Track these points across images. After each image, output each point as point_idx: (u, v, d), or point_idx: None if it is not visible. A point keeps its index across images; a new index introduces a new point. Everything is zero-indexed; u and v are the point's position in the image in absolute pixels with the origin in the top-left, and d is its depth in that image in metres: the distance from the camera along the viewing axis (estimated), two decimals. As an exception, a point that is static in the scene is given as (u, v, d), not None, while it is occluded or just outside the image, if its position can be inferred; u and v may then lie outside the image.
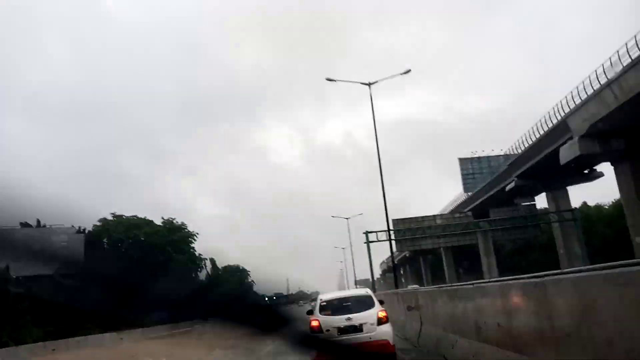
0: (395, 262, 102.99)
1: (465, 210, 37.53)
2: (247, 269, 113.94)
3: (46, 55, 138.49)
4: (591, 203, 50.68)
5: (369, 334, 8.56)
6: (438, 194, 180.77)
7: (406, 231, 33.15)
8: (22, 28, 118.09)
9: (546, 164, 30.01)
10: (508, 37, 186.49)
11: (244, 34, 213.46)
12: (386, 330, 8.74)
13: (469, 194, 64.14)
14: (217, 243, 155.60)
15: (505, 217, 33.11)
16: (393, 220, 33.50)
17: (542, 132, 29.19)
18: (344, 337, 8.53)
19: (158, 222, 55.90)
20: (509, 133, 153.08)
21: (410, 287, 21.13)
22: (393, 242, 32.42)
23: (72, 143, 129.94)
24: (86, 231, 47.89)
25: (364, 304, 9.19)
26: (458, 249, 71.17)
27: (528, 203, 34.02)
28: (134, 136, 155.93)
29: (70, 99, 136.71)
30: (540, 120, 29.98)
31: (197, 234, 56.52)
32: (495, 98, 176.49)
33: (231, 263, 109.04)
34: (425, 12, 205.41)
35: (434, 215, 35.98)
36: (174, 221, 55.88)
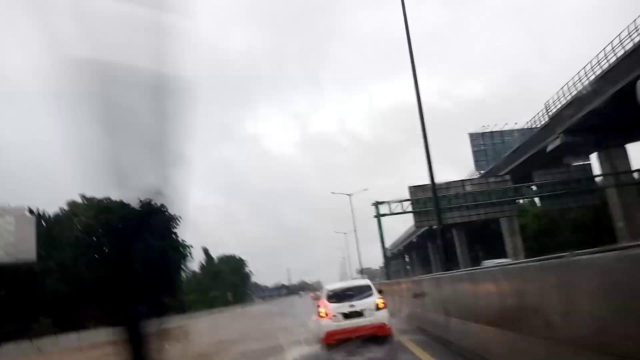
0: (401, 249, 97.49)
1: (503, 173, 30.67)
2: (244, 259, 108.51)
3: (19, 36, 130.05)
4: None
5: (369, 318, 9.95)
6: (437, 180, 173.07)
7: (427, 201, 26.54)
8: None
9: (604, 112, 23.55)
10: (502, 16, 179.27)
11: (232, 16, 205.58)
12: (383, 314, 10.13)
13: (481, 172, 57.48)
14: (213, 233, 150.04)
15: (557, 180, 26.42)
16: (409, 187, 27.11)
17: (607, 66, 22.63)
18: (348, 321, 9.97)
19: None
20: (506, 115, 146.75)
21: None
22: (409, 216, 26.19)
23: (50, 126, 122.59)
24: (45, 214, 41.48)
25: (364, 292, 10.53)
26: (474, 229, 65.19)
27: (582, 163, 27.40)
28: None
29: (45, 82, 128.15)
30: (597, 56, 23.54)
31: (180, 217, 49.78)
32: (491, 80, 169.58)
33: (227, 252, 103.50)
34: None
35: (462, 181, 29.29)
36: (153, 203, 49.24)
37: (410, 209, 27.22)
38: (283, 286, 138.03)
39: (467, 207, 26.94)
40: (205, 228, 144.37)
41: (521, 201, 43.61)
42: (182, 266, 58.16)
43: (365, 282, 11.64)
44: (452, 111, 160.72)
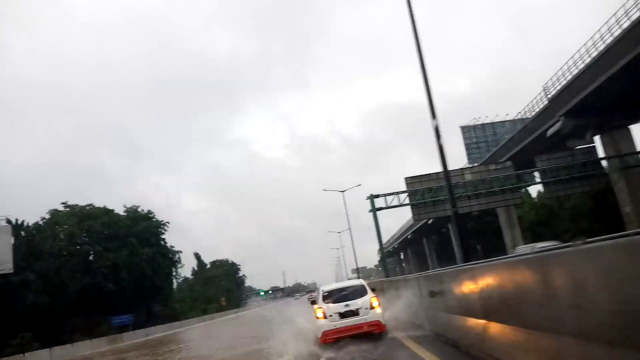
0: (396, 246, 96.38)
1: (503, 160, 29.28)
2: (238, 264, 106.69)
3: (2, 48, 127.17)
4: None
5: (364, 316, 10.18)
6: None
7: (425, 192, 25.15)
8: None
9: (606, 92, 22.35)
10: (486, 13, 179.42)
11: (215, 18, 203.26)
12: (378, 313, 10.30)
13: (475, 164, 56.41)
14: (206, 239, 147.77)
15: (561, 165, 25.03)
16: (406, 179, 25.67)
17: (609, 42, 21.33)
18: (344, 320, 10.17)
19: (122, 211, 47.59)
20: (492, 110, 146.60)
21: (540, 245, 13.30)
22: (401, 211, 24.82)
23: (40, 139, 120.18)
24: (25, 223, 39.45)
25: (358, 292, 10.72)
26: (469, 223, 64.07)
27: (586, 145, 26.07)
28: (107, 132, 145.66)
29: (32, 94, 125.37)
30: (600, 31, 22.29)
31: (167, 223, 48.32)
32: (476, 76, 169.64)
33: (221, 258, 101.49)
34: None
35: (462, 169, 27.87)
36: (139, 209, 47.40)
37: (407, 201, 25.79)
38: (278, 289, 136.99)
39: (469, 197, 25.62)
40: (198, 234, 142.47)
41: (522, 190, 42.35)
42: (173, 273, 56.33)
43: (360, 282, 11.94)
44: (439, 107, 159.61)
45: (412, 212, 26.01)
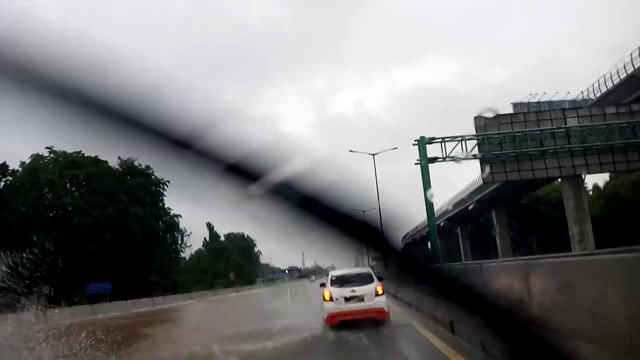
0: (424, 234, 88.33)
1: (629, 100, 20.52)
2: (254, 239, 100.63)
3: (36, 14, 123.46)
4: None
5: (368, 302, 10.53)
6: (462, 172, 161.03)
7: (505, 140, 17.11)
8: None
9: None
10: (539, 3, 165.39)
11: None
12: (382, 300, 10.67)
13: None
14: (226, 212, 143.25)
15: None
16: (476, 118, 17.70)
17: None
18: (349, 304, 10.57)
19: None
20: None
21: None
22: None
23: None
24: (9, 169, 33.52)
25: (365, 279, 11.10)
26: (518, 211, 55.37)
27: None
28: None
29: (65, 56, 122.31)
30: None
31: (168, 182, 41.17)
32: (516, 65, 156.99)
33: (236, 231, 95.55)
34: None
35: (563, 111, 19.52)
36: (136, 164, 40.80)
37: (474, 154, 17.65)
38: (296, 269, 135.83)
39: (572, 153, 17.40)
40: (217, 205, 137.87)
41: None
42: (177, 240, 50.16)
43: (367, 270, 12.09)
44: (473, 94, 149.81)
45: (483, 170, 18.04)
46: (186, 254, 73.51)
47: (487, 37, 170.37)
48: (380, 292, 10.57)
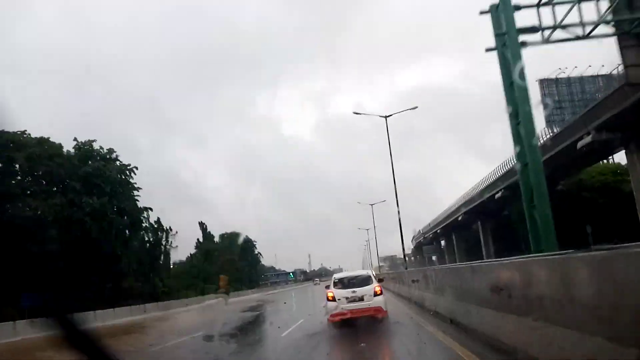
0: (438, 232, 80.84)
1: None
2: (253, 240, 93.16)
3: (35, 17, 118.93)
4: None
5: (368, 302, 11.72)
6: (465, 170, 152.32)
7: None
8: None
9: None
10: None
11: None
12: (380, 299, 11.92)
13: (557, 129, 39.96)
14: (232, 217, 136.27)
15: None
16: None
17: None
18: (351, 304, 11.71)
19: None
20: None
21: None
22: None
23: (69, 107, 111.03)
24: None
25: (365, 281, 12.35)
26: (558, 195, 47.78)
27: None
28: (134, 103, 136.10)
29: (62, 64, 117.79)
30: None
31: (136, 168, 34.21)
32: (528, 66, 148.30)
33: (249, 239, 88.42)
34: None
35: None
36: (95, 145, 33.58)
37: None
38: (302, 272, 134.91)
39: None
40: (222, 210, 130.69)
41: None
42: (162, 242, 43.12)
43: (367, 272, 13.54)
44: (477, 95, 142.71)
45: (623, 56, 10.40)
46: (180, 256, 66.89)
47: (487, 35, 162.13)
48: (379, 292, 11.95)
